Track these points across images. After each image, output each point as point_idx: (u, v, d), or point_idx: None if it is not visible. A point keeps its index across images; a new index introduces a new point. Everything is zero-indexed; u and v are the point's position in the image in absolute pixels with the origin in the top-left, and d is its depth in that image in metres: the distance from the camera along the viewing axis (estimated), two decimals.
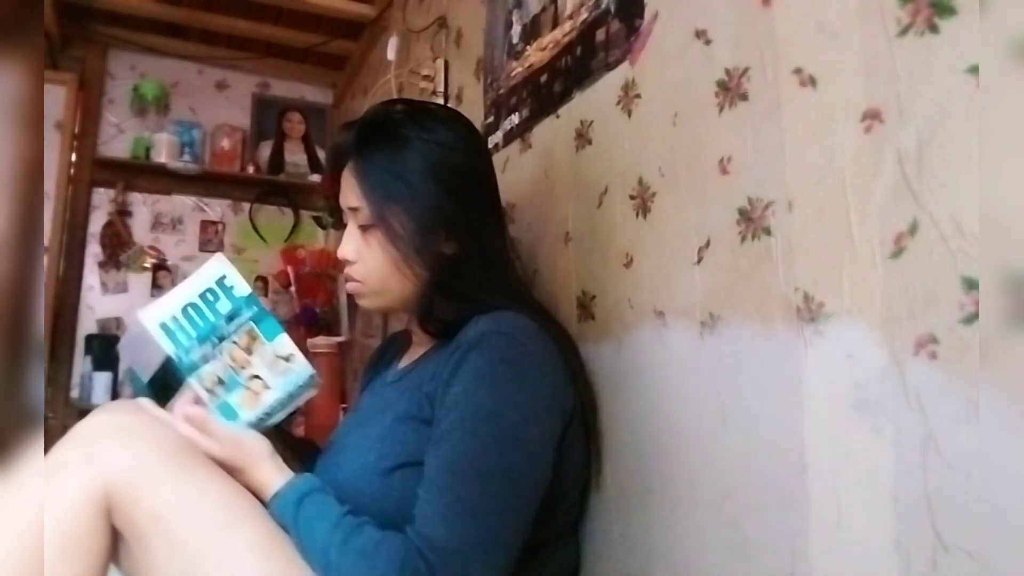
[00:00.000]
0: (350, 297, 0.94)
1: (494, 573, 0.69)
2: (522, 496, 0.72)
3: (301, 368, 0.86)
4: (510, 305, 0.83)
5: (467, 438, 0.71)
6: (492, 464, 0.70)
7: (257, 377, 0.85)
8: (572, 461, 0.83)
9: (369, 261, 0.86)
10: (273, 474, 0.80)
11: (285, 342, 0.86)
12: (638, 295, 0.87)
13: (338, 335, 2.34)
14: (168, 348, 0.83)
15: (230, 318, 0.86)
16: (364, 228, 0.86)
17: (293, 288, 2.64)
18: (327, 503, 0.76)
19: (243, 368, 0.85)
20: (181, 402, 0.84)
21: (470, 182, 0.87)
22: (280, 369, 0.85)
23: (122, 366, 0.89)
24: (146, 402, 0.84)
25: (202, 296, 0.86)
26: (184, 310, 0.85)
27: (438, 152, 0.85)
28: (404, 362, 0.96)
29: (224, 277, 0.87)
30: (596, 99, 0.98)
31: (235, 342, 0.85)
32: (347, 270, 0.89)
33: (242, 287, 0.87)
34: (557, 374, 0.80)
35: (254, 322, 0.86)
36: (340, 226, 0.92)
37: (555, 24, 1.11)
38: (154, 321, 0.84)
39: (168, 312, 0.85)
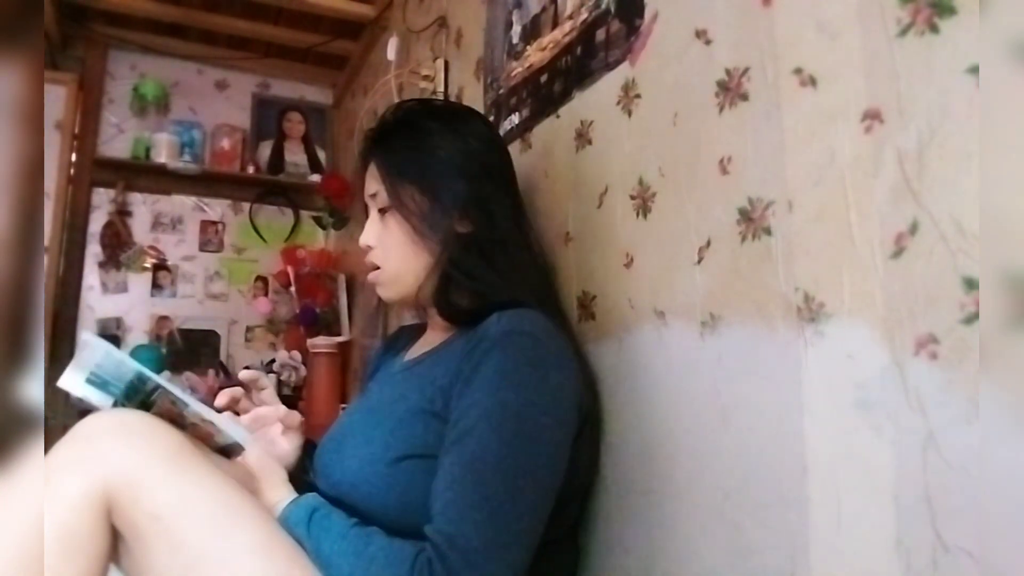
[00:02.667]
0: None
1: (514, 572, 0.69)
2: (543, 496, 0.72)
3: (231, 432, 0.86)
4: (524, 298, 0.84)
5: (492, 436, 0.71)
6: (517, 464, 0.70)
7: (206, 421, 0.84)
8: (582, 462, 0.84)
9: (387, 242, 0.89)
10: (285, 496, 0.83)
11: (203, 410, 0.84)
12: (638, 295, 0.87)
13: (338, 335, 2.34)
14: (104, 400, 0.82)
15: (142, 381, 0.83)
16: (383, 212, 0.90)
17: (293, 288, 2.64)
18: (335, 516, 0.77)
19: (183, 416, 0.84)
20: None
21: (486, 168, 0.91)
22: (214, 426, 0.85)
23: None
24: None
25: (94, 374, 0.82)
26: (99, 368, 0.82)
27: (456, 141, 0.90)
28: (414, 352, 0.96)
29: (97, 368, 0.82)
30: (596, 99, 0.98)
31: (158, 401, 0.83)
32: (367, 257, 0.92)
33: (123, 370, 0.82)
34: (575, 376, 0.80)
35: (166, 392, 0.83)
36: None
37: (555, 24, 1.11)
38: (78, 381, 0.81)
39: (84, 370, 0.81)
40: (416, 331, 1.02)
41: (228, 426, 0.85)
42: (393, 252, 0.89)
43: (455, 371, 0.78)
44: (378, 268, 0.91)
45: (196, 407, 0.83)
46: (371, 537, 0.72)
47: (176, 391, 0.83)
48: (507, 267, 0.88)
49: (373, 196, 0.91)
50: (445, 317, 0.89)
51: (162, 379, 0.83)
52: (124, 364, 0.83)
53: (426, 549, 0.67)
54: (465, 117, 0.96)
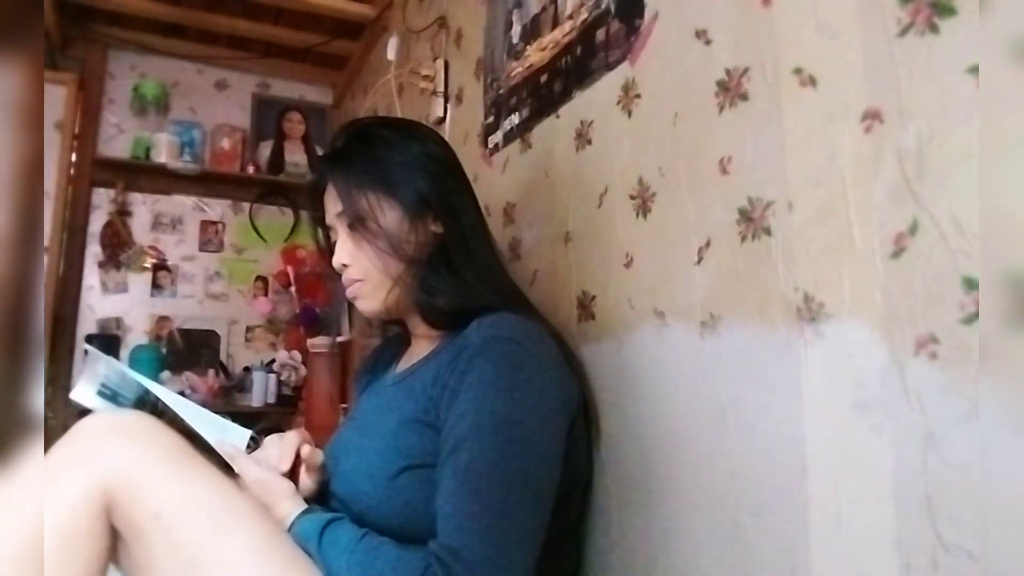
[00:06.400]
0: None
1: None
2: (540, 500, 0.72)
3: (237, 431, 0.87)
4: (500, 300, 0.85)
5: (483, 446, 0.71)
6: (511, 471, 0.70)
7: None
8: (576, 460, 0.84)
9: (363, 258, 0.87)
10: (293, 509, 0.81)
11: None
12: (638, 295, 0.86)
13: (338, 335, 2.34)
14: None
15: (147, 393, 0.84)
16: (352, 228, 0.87)
17: (293, 288, 2.64)
18: (343, 529, 0.76)
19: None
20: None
21: (446, 166, 0.93)
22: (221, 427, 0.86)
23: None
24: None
25: (104, 386, 0.84)
26: (107, 380, 0.83)
27: (412, 143, 0.91)
28: (403, 365, 0.96)
29: (104, 383, 0.84)
30: (596, 99, 0.98)
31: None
32: (345, 275, 0.90)
33: (129, 382, 0.84)
34: (561, 375, 0.80)
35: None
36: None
37: (555, 24, 1.11)
38: (90, 393, 0.82)
39: (95, 382, 0.83)
40: (401, 344, 1.02)
41: (218, 446, 0.85)
42: (374, 265, 0.87)
43: (442, 381, 0.78)
44: (359, 281, 0.89)
45: (190, 423, 0.83)
46: (379, 550, 0.72)
47: (173, 406, 0.83)
48: (479, 267, 0.89)
49: (339, 215, 0.88)
50: (429, 322, 0.89)
51: (162, 391, 0.83)
52: (127, 376, 0.83)
53: (432, 565, 0.67)
54: (416, 124, 0.98)
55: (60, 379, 2.37)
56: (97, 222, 2.56)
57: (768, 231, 0.68)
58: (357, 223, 0.86)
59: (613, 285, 0.92)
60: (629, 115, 0.90)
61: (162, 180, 2.62)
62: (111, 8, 2.35)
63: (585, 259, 0.99)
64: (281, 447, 0.87)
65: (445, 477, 0.72)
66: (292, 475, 0.86)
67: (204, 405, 0.91)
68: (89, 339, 2.45)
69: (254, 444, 0.88)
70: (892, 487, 0.54)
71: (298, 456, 0.87)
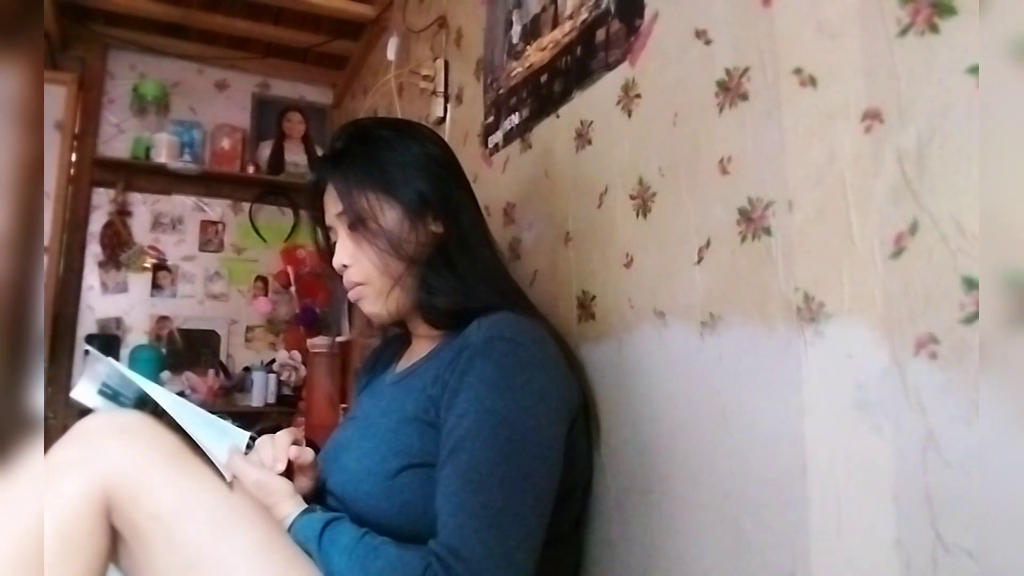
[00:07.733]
0: None
1: None
2: (541, 500, 0.72)
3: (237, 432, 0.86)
4: (499, 300, 0.85)
5: (484, 446, 0.71)
6: (512, 470, 0.70)
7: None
8: (576, 460, 0.84)
9: (364, 259, 0.87)
10: (293, 509, 0.81)
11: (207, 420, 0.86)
12: (638, 295, 0.87)
13: (338, 335, 2.34)
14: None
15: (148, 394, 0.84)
16: (353, 229, 0.87)
17: (293, 288, 2.64)
18: (343, 528, 0.76)
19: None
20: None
21: (446, 167, 0.92)
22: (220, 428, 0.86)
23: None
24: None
25: (105, 385, 0.84)
26: (108, 379, 0.84)
27: (412, 144, 0.91)
28: (403, 364, 0.96)
29: (105, 382, 0.84)
30: (596, 99, 0.98)
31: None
32: (346, 277, 0.90)
33: (130, 382, 0.84)
34: (561, 375, 0.80)
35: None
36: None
37: (555, 24, 1.11)
38: (91, 392, 0.83)
39: (96, 381, 0.83)
40: (401, 343, 1.02)
41: (215, 450, 0.85)
42: (374, 267, 0.86)
43: (443, 380, 0.78)
44: (361, 284, 0.88)
45: (188, 428, 0.83)
46: (379, 550, 0.72)
47: (171, 410, 0.83)
48: (480, 266, 0.89)
49: (339, 215, 0.88)
50: (429, 322, 0.89)
51: (160, 394, 0.83)
52: (127, 377, 0.84)
53: (432, 564, 0.67)
54: (415, 124, 0.98)
55: (60, 379, 2.37)
56: (97, 222, 2.56)
57: (768, 231, 0.68)
58: (357, 223, 0.86)
59: (613, 285, 0.92)
60: (629, 115, 0.90)
61: (162, 180, 2.62)
62: (111, 8, 2.35)
63: (585, 259, 0.99)
64: (274, 447, 0.87)
65: (445, 476, 0.72)
66: (287, 475, 0.86)
67: (204, 405, 0.92)
68: (89, 339, 2.45)
69: (254, 444, 0.88)
70: (892, 487, 0.54)
71: None
